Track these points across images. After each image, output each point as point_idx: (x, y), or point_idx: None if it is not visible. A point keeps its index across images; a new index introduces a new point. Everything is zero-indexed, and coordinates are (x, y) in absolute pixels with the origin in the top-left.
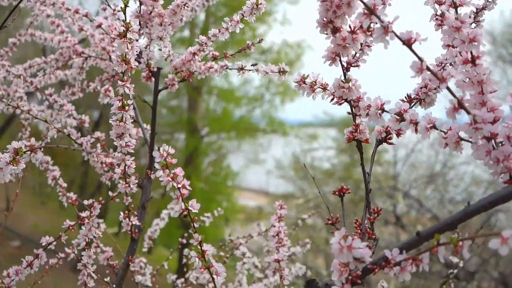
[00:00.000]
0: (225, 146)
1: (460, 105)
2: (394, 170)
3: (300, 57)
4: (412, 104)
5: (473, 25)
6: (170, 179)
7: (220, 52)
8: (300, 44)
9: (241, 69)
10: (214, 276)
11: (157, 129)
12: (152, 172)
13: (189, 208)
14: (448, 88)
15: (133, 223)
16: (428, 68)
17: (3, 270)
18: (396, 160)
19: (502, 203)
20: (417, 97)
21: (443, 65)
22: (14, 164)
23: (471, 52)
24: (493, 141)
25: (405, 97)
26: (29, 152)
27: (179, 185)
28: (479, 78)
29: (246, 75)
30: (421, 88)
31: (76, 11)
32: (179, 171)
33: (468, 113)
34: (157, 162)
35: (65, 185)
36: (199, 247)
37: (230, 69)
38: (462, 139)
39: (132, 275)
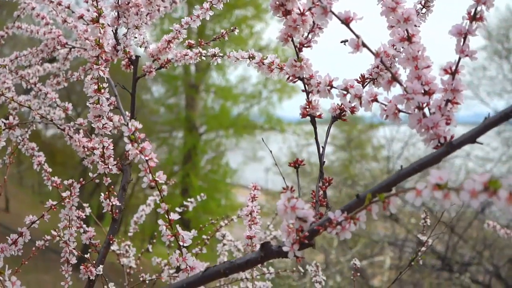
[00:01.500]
0: (223, 144)
1: (394, 78)
2: (388, 165)
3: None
4: (366, 83)
5: (424, 10)
6: (138, 152)
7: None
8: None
9: (214, 55)
10: (181, 243)
11: (156, 128)
12: (128, 161)
13: (157, 179)
14: (383, 63)
15: (114, 203)
16: (364, 45)
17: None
18: (390, 155)
19: (431, 166)
20: (370, 76)
21: (394, 46)
22: None
23: (407, 30)
24: (427, 110)
25: (359, 77)
26: (7, 130)
27: (147, 158)
28: (414, 54)
29: (244, 72)
30: (373, 68)
31: (59, 3)
32: (147, 145)
33: (401, 85)
34: (125, 136)
35: (50, 170)
36: (166, 216)
37: (204, 56)
38: (400, 110)
39: (118, 258)
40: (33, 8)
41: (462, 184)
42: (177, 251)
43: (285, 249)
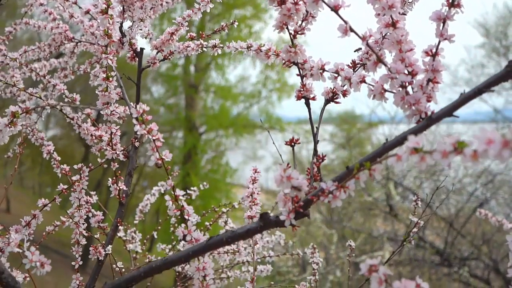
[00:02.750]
0: (223, 143)
1: (379, 59)
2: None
3: None
4: (357, 68)
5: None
6: (146, 132)
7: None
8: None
9: (214, 46)
10: (186, 217)
11: None
12: (137, 141)
13: (163, 157)
14: (368, 46)
15: (121, 188)
16: (351, 29)
17: None
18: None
19: (443, 117)
20: (361, 62)
21: (383, 34)
22: (12, 126)
23: (391, 17)
24: (410, 89)
25: (350, 62)
26: (24, 114)
27: (154, 138)
28: (398, 39)
29: (244, 72)
30: (363, 54)
31: None
32: (154, 125)
33: (386, 65)
34: (134, 118)
35: (59, 158)
36: (172, 192)
37: (205, 47)
38: (386, 90)
39: (124, 244)
40: (41, 4)
41: (435, 147)
42: (183, 225)
43: (282, 218)
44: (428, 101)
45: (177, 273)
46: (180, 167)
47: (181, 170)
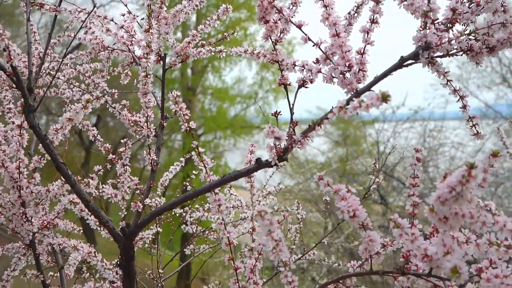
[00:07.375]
0: (222, 145)
1: (327, 57)
2: (377, 151)
3: (291, 54)
4: (319, 63)
5: (355, 14)
6: (178, 110)
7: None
8: (291, 42)
9: (220, 51)
10: (206, 165)
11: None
12: (165, 122)
13: (190, 126)
14: (320, 49)
15: (153, 158)
16: (309, 39)
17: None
18: (378, 140)
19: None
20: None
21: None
22: (85, 109)
23: (335, 30)
24: (348, 75)
25: (315, 59)
26: (95, 100)
27: (184, 113)
28: (340, 44)
29: (240, 73)
30: (321, 55)
31: (105, 17)
32: (183, 105)
33: (331, 61)
34: (170, 100)
35: (102, 140)
36: (196, 150)
37: (213, 52)
38: (333, 76)
39: (151, 209)
40: (82, 21)
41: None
42: (204, 170)
43: (269, 159)
44: (358, 82)
45: (192, 233)
46: (180, 169)
47: (181, 172)
